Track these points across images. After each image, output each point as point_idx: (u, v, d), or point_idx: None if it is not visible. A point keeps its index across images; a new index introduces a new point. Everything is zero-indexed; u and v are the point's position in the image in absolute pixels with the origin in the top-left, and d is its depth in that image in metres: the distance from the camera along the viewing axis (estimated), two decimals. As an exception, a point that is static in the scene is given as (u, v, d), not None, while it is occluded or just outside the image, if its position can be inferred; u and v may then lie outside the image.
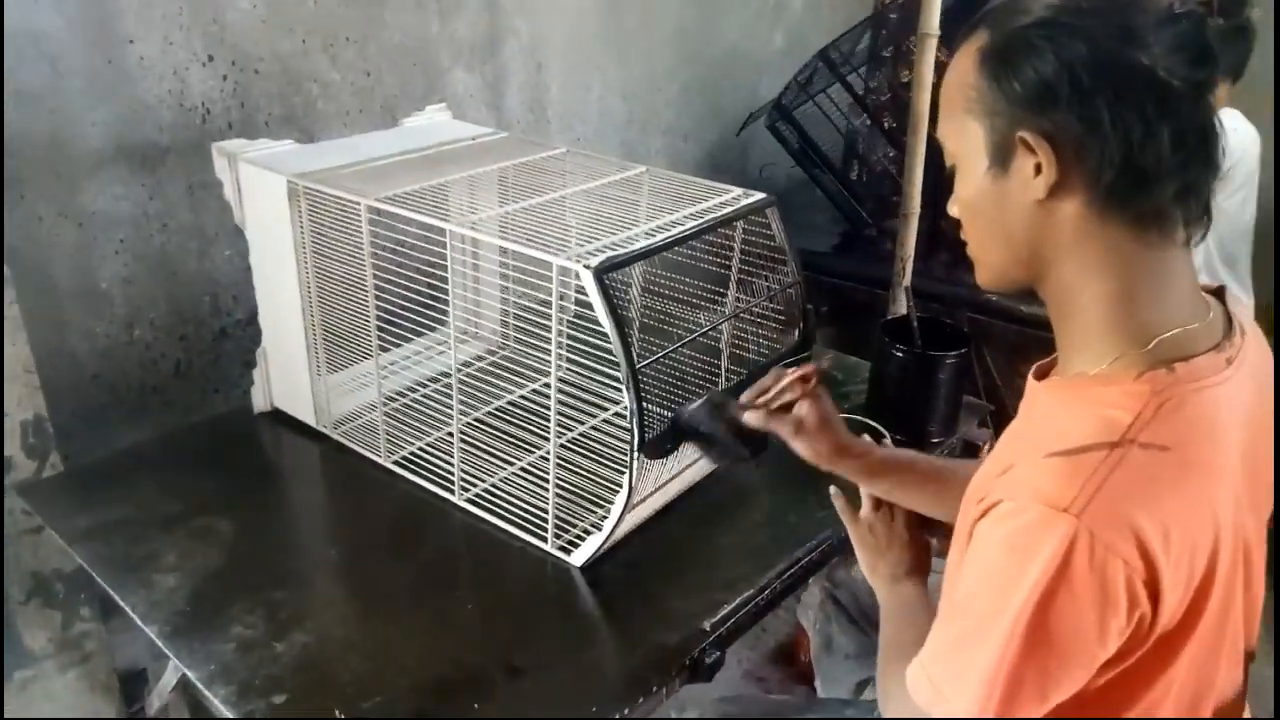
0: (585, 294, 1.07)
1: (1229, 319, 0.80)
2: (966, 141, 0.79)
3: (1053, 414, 0.78)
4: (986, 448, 1.55)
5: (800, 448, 1.06)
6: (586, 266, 1.05)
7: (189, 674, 1.03)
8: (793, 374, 1.05)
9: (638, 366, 1.07)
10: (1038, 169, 0.74)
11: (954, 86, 0.80)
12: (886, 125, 2.54)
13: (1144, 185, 0.73)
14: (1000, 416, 1.67)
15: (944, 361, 1.43)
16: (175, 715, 1.49)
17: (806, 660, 1.89)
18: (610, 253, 1.09)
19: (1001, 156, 0.76)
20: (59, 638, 1.51)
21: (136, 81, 1.54)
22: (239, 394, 1.78)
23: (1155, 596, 0.70)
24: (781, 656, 1.91)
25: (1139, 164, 0.72)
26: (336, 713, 0.98)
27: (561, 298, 1.58)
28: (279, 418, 1.51)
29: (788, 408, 1.06)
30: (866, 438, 1.10)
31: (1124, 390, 0.74)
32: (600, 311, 1.06)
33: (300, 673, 1.03)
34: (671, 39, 2.48)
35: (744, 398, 1.07)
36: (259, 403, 1.52)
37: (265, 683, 1.02)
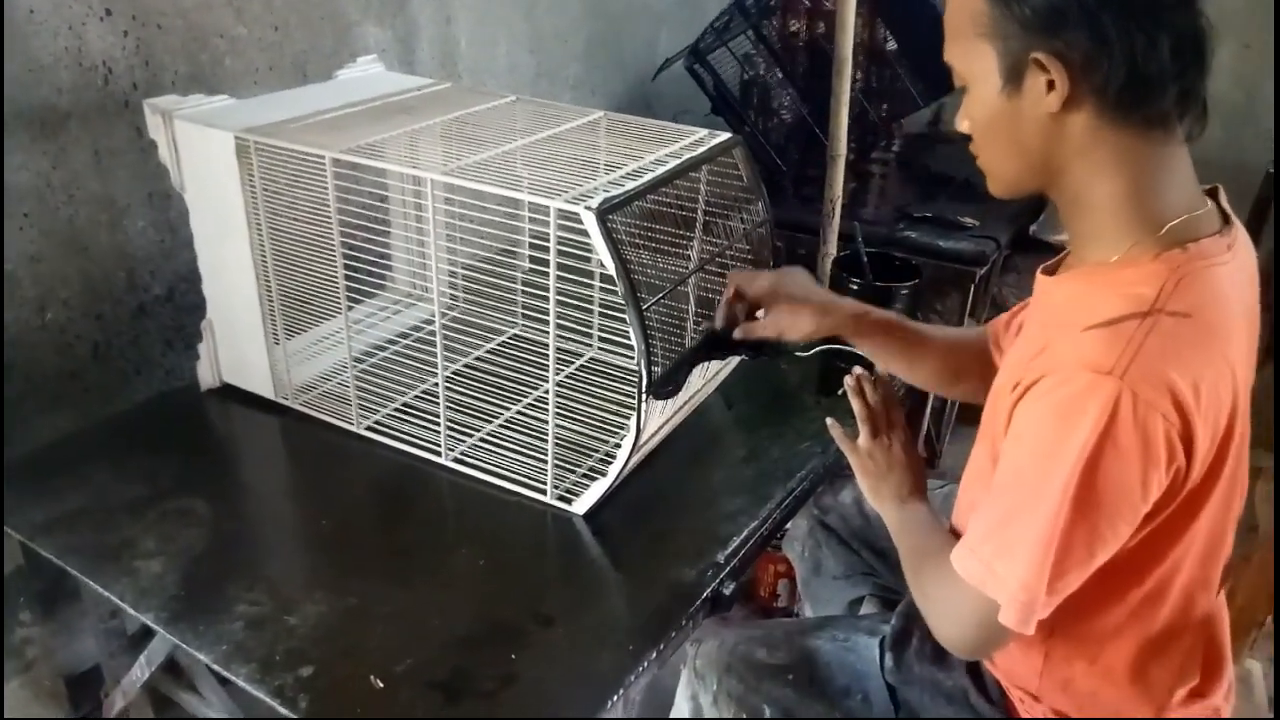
0: (543, 241, 1.08)
1: (1224, 215, 0.87)
2: (978, 64, 0.84)
3: (1079, 297, 0.84)
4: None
5: (795, 337, 1.14)
6: (588, 208, 1.04)
7: (201, 657, 0.98)
8: (722, 303, 1.17)
9: (644, 309, 1.07)
10: (1050, 85, 0.79)
11: (962, 12, 0.84)
12: (779, 74, 2.59)
13: (1148, 91, 0.79)
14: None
15: (898, 292, 1.49)
16: (136, 714, 1.40)
17: (765, 597, 1.95)
18: (606, 193, 1.08)
19: (1014, 76, 0.81)
20: (-5, 646, 1.39)
21: (28, 38, 1.40)
22: (161, 374, 1.67)
23: (1189, 449, 0.77)
24: (740, 594, 1.95)
25: (1143, 73, 0.78)
26: (373, 679, 0.95)
27: (513, 255, 1.56)
28: (229, 393, 1.43)
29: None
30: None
31: (1144, 270, 0.81)
32: (603, 253, 1.05)
33: (322, 643, 0.99)
34: (573, -9, 2.44)
35: (718, 324, 1.17)
36: (206, 379, 1.43)
37: (287, 656, 0.97)
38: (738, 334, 1.16)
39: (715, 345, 1.21)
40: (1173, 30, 0.77)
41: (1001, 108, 0.83)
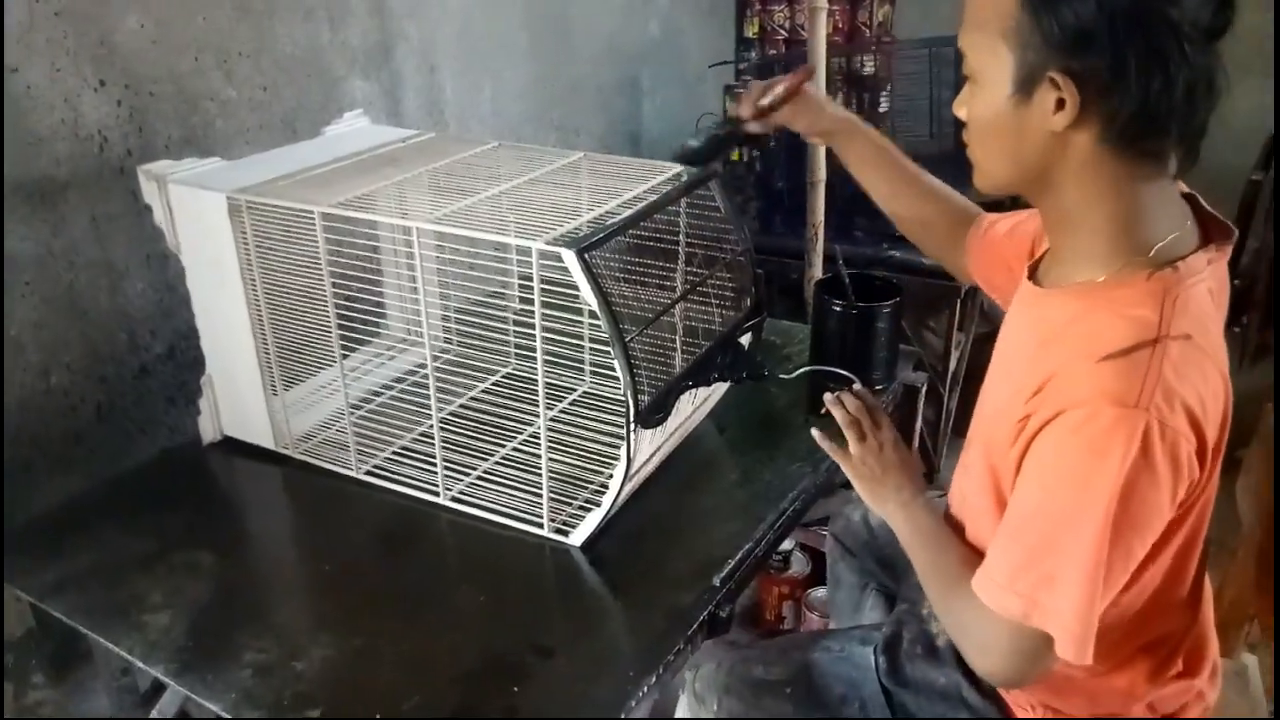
0: (531, 281, 1.10)
1: (1202, 224, 0.88)
2: (992, 64, 0.83)
3: (1076, 320, 0.85)
4: (923, 389, 1.65)
5: (801, 125, 1.27)
6: (568, 247, 1.07)
7: (211, 707, 1.00)
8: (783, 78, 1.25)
9: (627, 341, 1.10)
10: (1059, 104, 0.80)
11: (991, 5, 0.83)
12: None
13: (1152, 128, 0.80)
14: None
15: (880, 312, 1.52)
16: (154, 770, 1.42)
17: (771, 619, 1.97)
18: (585, 232, 1.11)
19: (1026, 87, 0.81)
20: (12, 710, 1.41)
21: (26, 113, 1.45)
22: (165, 431, 1.70)
23: (1203, 462, 0.81)
24: (747, 618, 1.97)
25: (1153, 110, 0.79)
26: (377, 717, 0.97)
27: (503, 296, 1.60)
28: (231, 446, 1.46)
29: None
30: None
31: (1140, 291, 0.82)
32: (585, 290, 1.08)
33: (329, 686, 1.01)
34: (554, 34, 2.50)
35: (743, 110, 1.29)
36: (208, 433, 1.46)
37: (296, 701, 0.99)
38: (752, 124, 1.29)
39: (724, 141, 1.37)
40: (1190, 72, 0.77)
41: (1006, 113, 0.83)
